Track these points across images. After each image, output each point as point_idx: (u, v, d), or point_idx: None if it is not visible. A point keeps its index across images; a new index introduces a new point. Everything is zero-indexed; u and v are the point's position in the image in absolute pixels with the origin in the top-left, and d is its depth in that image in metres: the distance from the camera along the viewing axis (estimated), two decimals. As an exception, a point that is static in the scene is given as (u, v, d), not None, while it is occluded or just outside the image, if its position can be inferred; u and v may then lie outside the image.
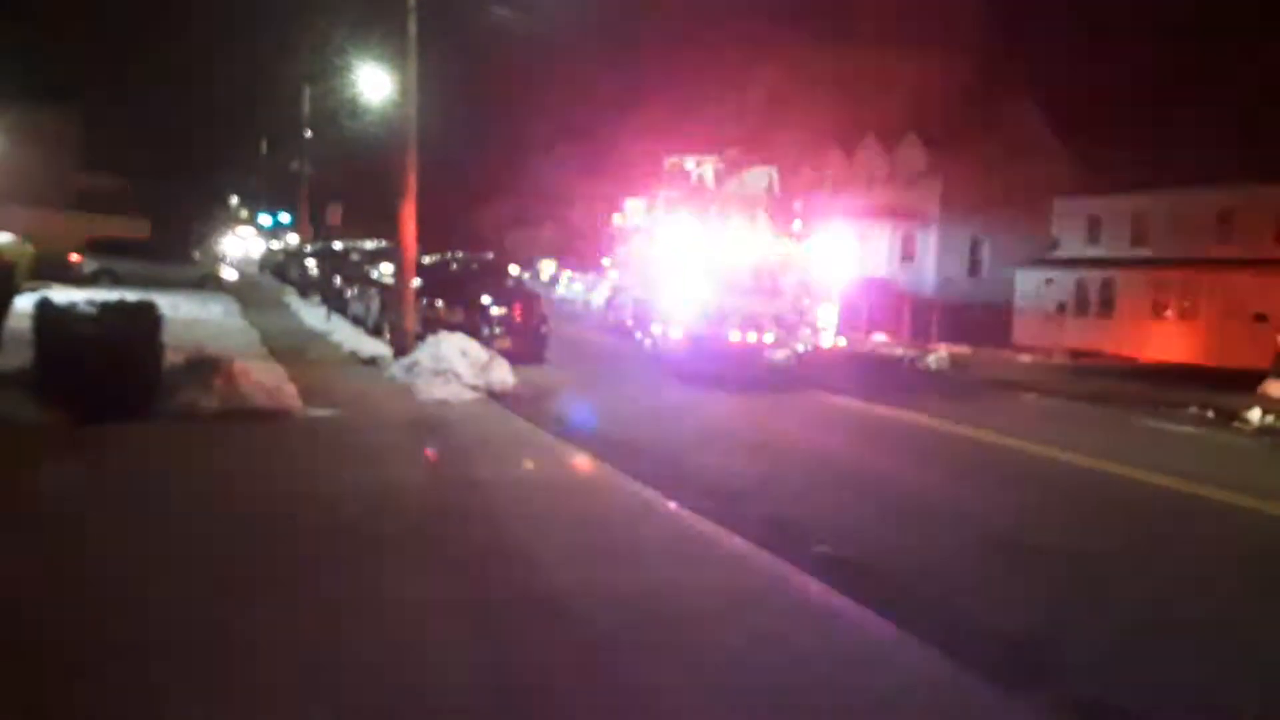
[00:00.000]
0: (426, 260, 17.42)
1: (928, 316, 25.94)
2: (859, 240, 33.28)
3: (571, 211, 52.57)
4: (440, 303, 14.98)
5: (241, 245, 66.54)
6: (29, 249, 22.75)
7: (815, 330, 14.94)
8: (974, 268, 31.88)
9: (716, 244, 14.94)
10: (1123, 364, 21.93)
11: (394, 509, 6.05)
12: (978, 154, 29.94)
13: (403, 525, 5.70)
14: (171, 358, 9.50)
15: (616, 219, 21.58)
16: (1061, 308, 28.22)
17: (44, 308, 8.31)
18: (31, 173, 35.28)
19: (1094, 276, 27.58)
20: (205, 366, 9.34)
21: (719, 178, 16.92)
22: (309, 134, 35.26)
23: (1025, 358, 22.29)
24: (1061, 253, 28.82)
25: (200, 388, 8.97)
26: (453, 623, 4.26)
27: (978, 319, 25.77)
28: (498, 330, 14.74)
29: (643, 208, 19.48)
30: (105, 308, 8.53)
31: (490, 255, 26.50)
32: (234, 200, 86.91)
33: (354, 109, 26.75)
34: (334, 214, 32.94)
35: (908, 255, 32.38)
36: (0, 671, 3.56)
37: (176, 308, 20.29)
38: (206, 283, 29.76)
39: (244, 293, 29.25)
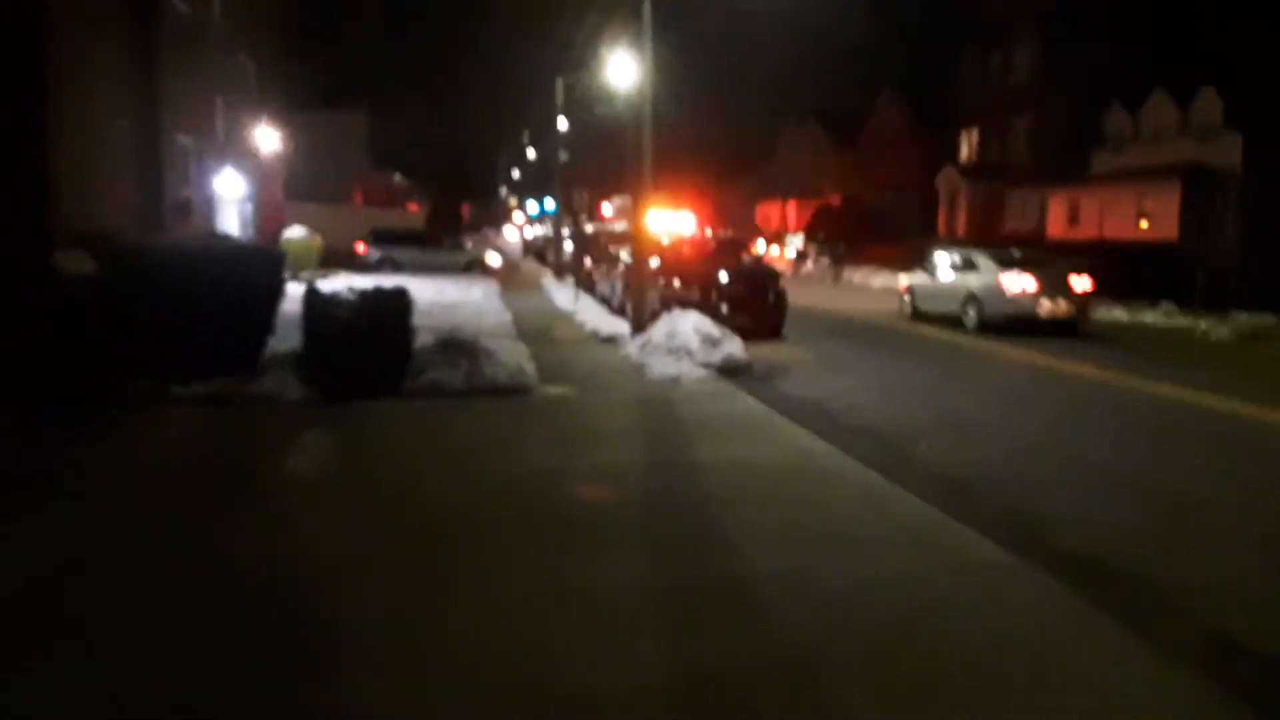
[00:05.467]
0: (666, 239, 17.61)
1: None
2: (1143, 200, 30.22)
3: (825, 185, 51.44)
4: (677, 281, 15.04)
5: (512, 232, 70.84)
6: (318, 241, 25.26)
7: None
8: None
9: None
10: None
11: (604, 489, 6.06)
12: None
13: (608, 506, 5.69)
14: (424, 339, 10.15)
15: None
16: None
17: (310, 295, 9.07)
18: (326, 173, 39.31)
19: None
20: (453, 347, 9.87)
21: None
22: (564, 124, 36.75)
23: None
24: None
25: (447, 367, 9.50)
26: (639, 606, 4.15)
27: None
28: (730, 307, 14.60)
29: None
30: (363, 295, 9.20)
31: (730, 233, 26.48)
32: (503, 190, 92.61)
33: (604, 96, 27.41)
34: (580, 199, 34.13)
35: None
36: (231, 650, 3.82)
37: (443, 291, 21.94)
38: (472, 268, 31.87)
39: (506, 276, 31.03)
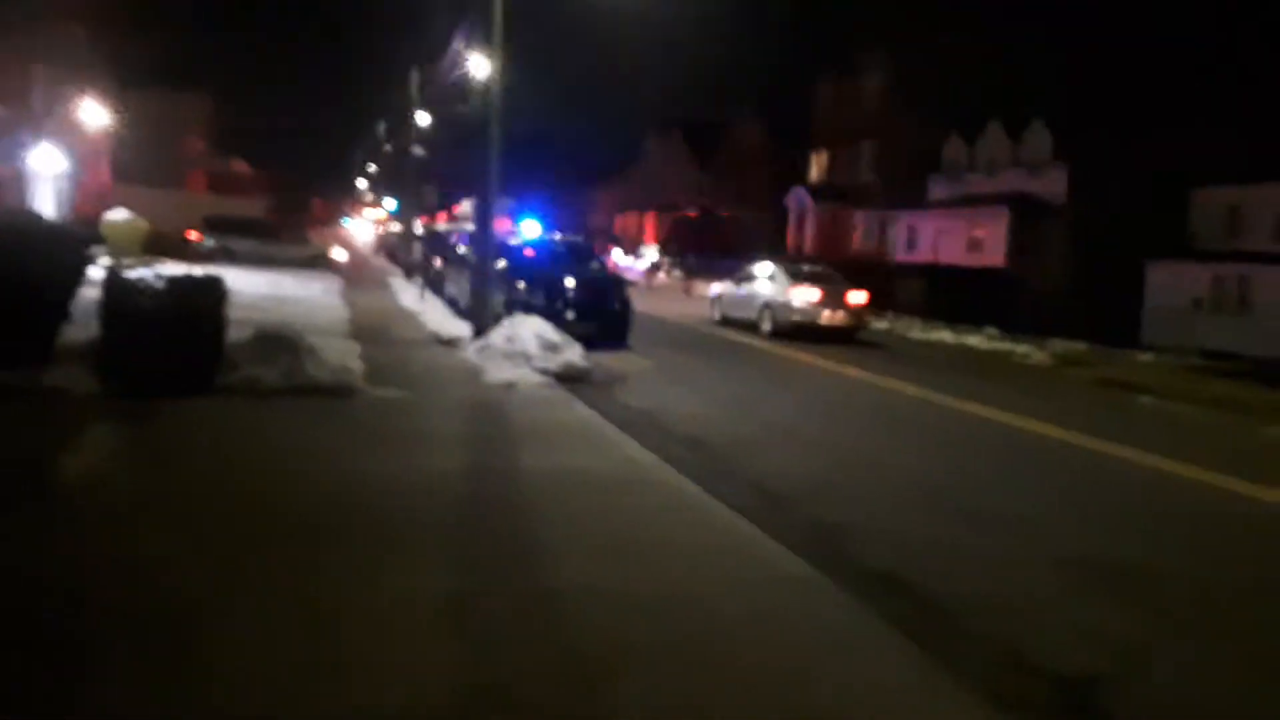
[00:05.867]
0: (512, 241, 17.34)
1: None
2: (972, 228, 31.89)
3: (682, 197, 52.16)
4: (522, 284, 14.80)
5: (366, 228, 68.55)
6: (142, 225, 23.72)
7: None
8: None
9: None
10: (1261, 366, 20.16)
11: (414, 497, 5.78)
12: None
13: (417, 515, 5.42)
14: (239, 333, 9.56)
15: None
16: (1197, 304, 26.29)
17: (110, 281, 8.37)
18: (161, 155, 37.05)
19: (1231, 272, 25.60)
20: (271, 343, 9.33)
21: None
22: (424, 119, 35.86)
23: (1146, 356, 20.77)
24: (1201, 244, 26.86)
25: (264, 364, 8.96)
26: (437, 618, 3.93)
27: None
28: (576, 313, 14.48)
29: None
30: (170, 282, 8.56)
31: (579, 238, 26.49)
32: (361, 184, 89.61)
33: (460, 93, 26.89)
34: (429, 195, 33.39)
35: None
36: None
37: (278, 285, 20.92)
38: (316, 263, 30.60)
39: (352, 273, 29.95)
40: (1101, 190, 27.53)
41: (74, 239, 9.15)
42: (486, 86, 13.56)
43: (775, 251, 40.50)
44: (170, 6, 39.25)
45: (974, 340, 20.78)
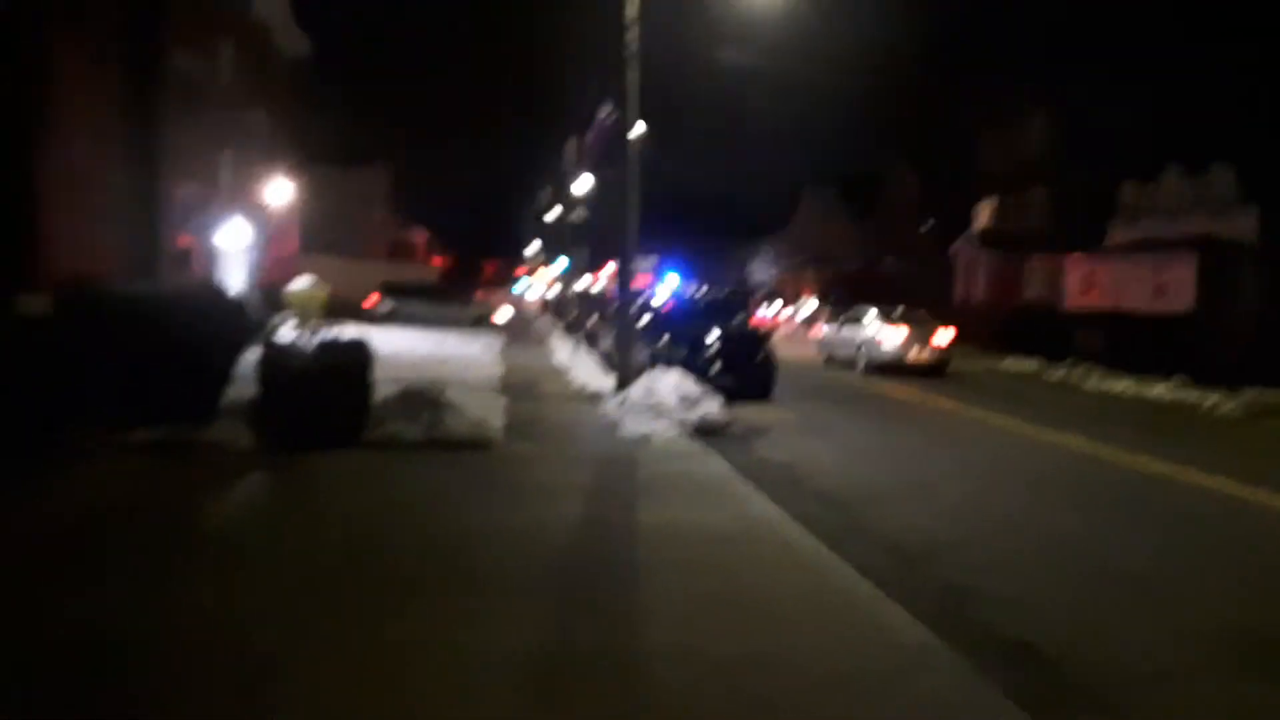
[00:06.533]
0: (657, 298, 17.51)
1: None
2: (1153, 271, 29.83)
3: (842, 250, 51.52)
4: (665, 338, 14.87)
5: (537, 288, 71.08)
6: (322, 292, 25.43)
7: None
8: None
9: None
10: None
11: (524, 548, 5.80)
12: None
13: (521, 567, 5.43)
14: (386, 390, 10.01)
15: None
16: None
17: (269, 345, 8.96)
18: (345, 226, 39.78)
19: None
20: (415, 399, 9.72)
21: None
22: (588, 182, 37.05)
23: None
24: None
25: (406, 419, 9.34)
26: (509, 677, 3.89)
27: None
28: (718, 366, 14.38)
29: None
30: (320, 345, 9.08)
31: (727, 290, 26.64)
32: (534, 245, 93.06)
33: (614, 155, 27.68)
34: (581, 257, 34.29)
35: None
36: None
37: (441, 344, 21.88)
38: (481, 322, 31.89)
39: (514, 331, 31.04)
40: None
41: (234, 307, 9.86)
42: (625, 150, 13.84)
43: (941, 302, 39.22)
44: (351, 88, 42.35)
45: (1157, 390, 19.25)
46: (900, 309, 22.71)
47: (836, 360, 22.99)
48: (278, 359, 8.72)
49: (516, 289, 68.16)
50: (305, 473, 7.71)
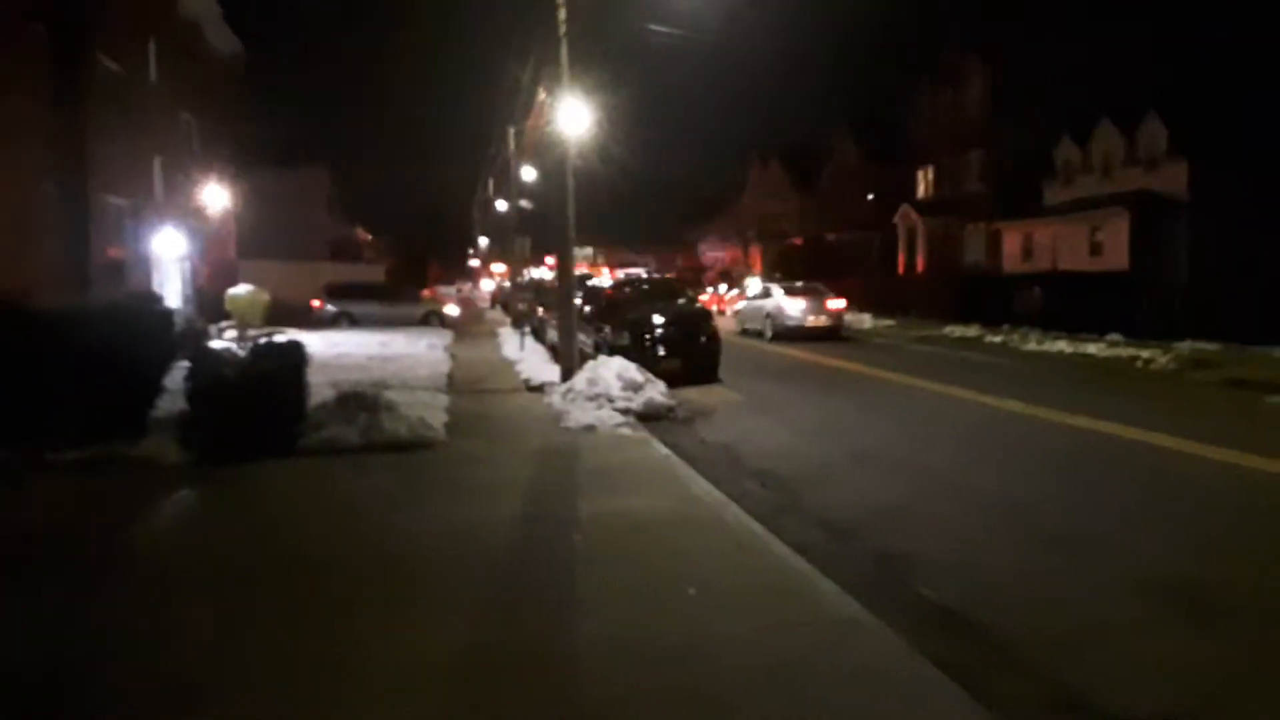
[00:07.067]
0: (595, 283, 17.43)
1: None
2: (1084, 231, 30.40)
3: (787, 225, 51.75)
4: (608, 326, 14.82)
5: (487, 281, 70.45)
6: (264, 297, 25.01)
7: None
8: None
9: None
10: None
11: (461, 547, 5.75)
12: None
13: (458, 566, 5.38)
14: (324, 394, 9.87)
15: None
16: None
17: (198, 354, 8.77)
18: (284, 229, 39.09)
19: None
20: (353, 402, 9.58)
21: None
22: (531, 173, 36.68)
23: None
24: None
25: (344, 423, 9.19)
26: (442, 674, 3.85)
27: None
28: (662, 351, 14.38)
29: None
30: (253, 350, 8.91)
31: (666, 274, 27.23)
32: (483, 241, 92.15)
33: (553, 142, 27.47)
34: (522, 247, 34.01)
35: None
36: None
37: (388, 344, 21.60)
38: (430, 320, 31.55)
39: (464, 327, 30.76)
40: (1225, 182, 25.78)
41: (162, 317, 9.63)
42: (561, 136, 13.74)
43: (886, 273, 39.60)
44: (284, 89, 41.59)
45: (1093, 348, 19.61)
46: (800, 283, 26.17)
47: (749, 331, 25.61)
48: (206, 368, 8.53)
49: (464, 284, 67.60)
50: (235, 484, 7.56)
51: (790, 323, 23.77)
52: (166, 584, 5.22)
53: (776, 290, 25.18)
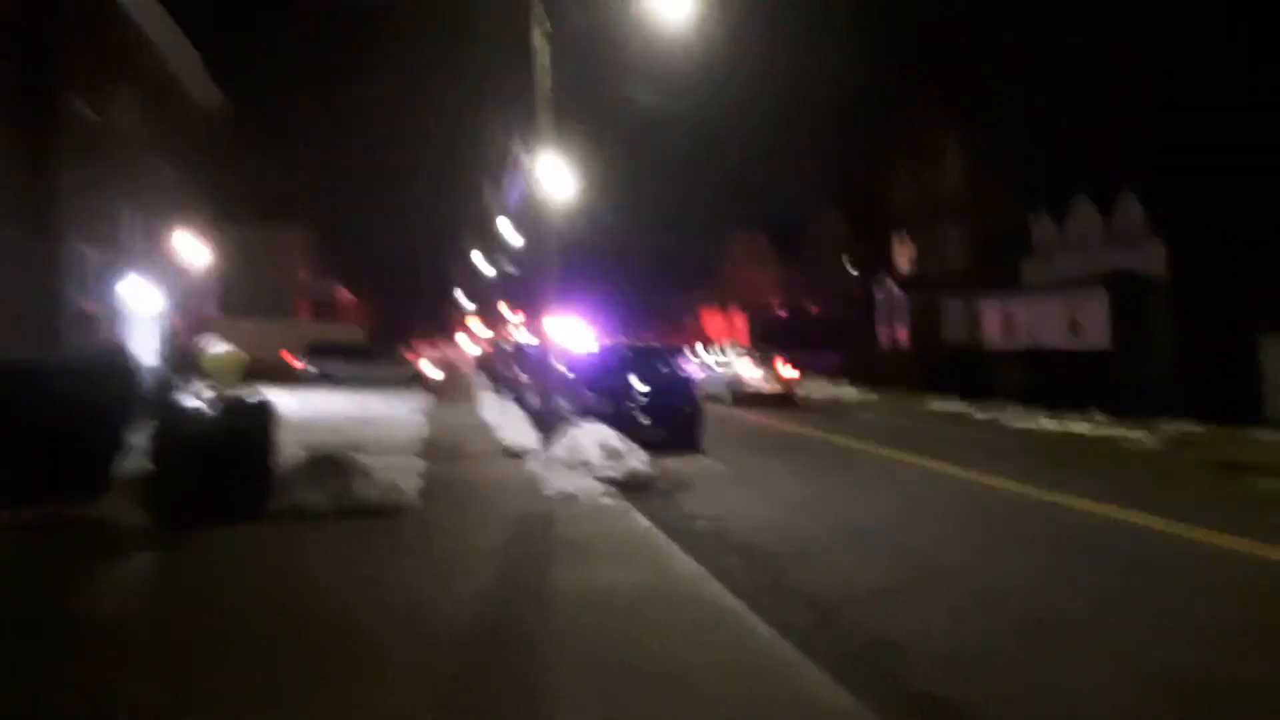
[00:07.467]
0: (580, 350, 17.31)
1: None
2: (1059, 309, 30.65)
3: (769, 294, 52.04)
4: (590, 392, 14.63)
5: (469, 344, 70.25)
6: (241, 355, 24.65)
7: None
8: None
9: None
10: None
11: (426, 624, 5.46)
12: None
13: (422, 644, 5.09)
14: (295, 455, 9.58)
15: None
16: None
17: (164, 411, 8.49)
18: (265, 286, 38.91)
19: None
20: (324, 465, 9.30)
21: None
22: (517, 238, 36.83)
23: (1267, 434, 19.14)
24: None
25: (313, 487, 8.90)
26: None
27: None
28: (644, 419, 14.18)
29: None
30: (223, 408, 8.64)
31: (651, 341, 27.67)
32: (464, 300, 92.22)
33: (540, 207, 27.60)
34: (500, 311, 33.95)
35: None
36: None
37: (367, 406, 21.30)
38: (411, 382, 31.17)
39: (444, 390, 30.42)
40: (1203, 263, 26.10)
41: (125, 371, 9.36)
42: (538, 202, 13.73)
43: (868, 345, 39.71)
44: (267, 145, 41.69)
45: (1077, 427, 19.54)
46: (757, 352, 28.75)
47: (712, 396, 26.10)
48: (172, 426, 8.24)
49: (444, 346, 67.37)
50: (197, 550, 7.23)
51: (748, 389, 25.70)
52: (122, 654, 4.91)
53: (737, 359, 27.71)
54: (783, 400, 25.62)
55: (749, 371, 26.22)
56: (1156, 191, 28.68)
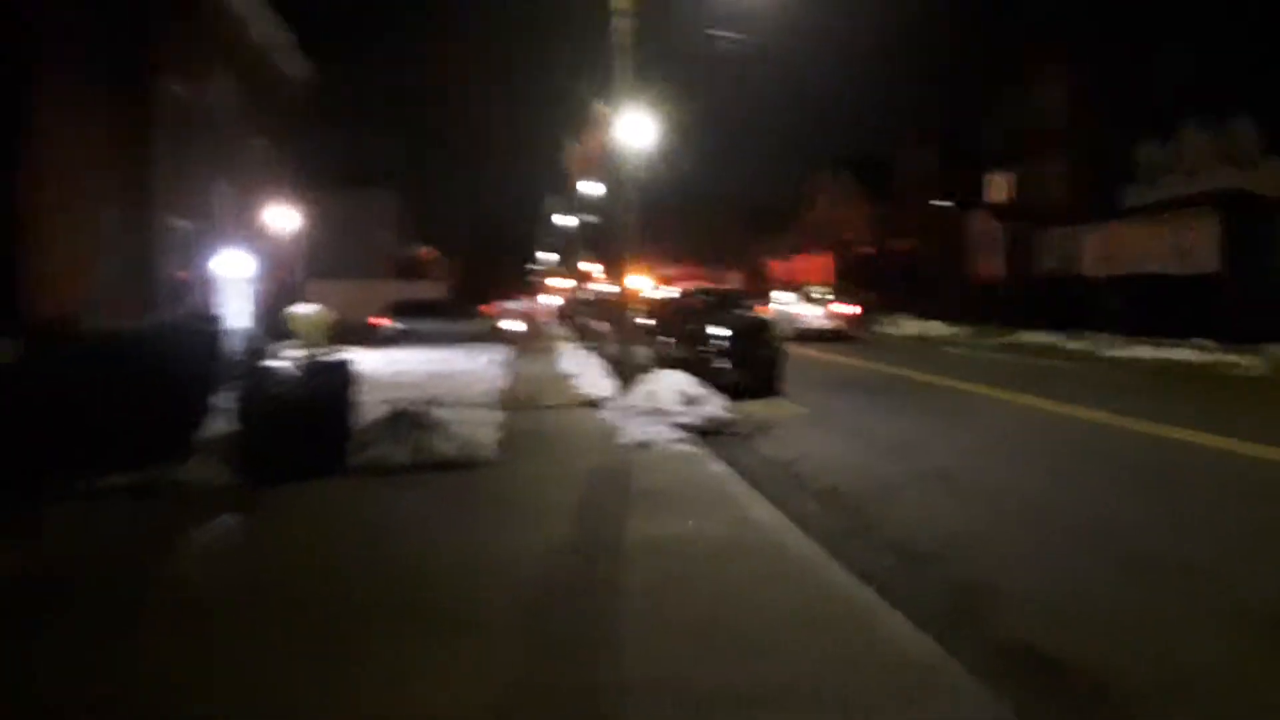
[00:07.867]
0: (660, 296, 17.10)
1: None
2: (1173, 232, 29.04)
3: (858, 234, 50.82)
4: (668, 338, 14.43)
5: (551, 295, 70.68)
6: (327, 316, 25.19)
7: None
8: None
9: None
10: None
11: (500, 575, 5.40)
12: None
13: (496, 596, 5.03)
14: (376, 411, 9.66)
15: None
16: None
17: (249, 374, 8.62)
18: (352, 249, 39.63)
19: None
20: (402, 420, 9.35)
21: None
22: (598, 188, 36.59)
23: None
24: None
25: (392, 442, 8.95)
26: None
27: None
28: (723, 363, 13.93)
29: None
30: (305, 369, 8.74)
31: (731, 286, 27.66)
32: (548, 254, 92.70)
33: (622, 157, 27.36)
34: (586, 259, 33.85)
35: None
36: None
37: (448, 361, 21.52)
38: (491, 335, 31.45)
39: (525, 342, 30.62)
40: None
41: (209, 338, 9.52)
42: (616, 149, 13.46)
43: (959, 280, 38.49)
44: (355, 111, 42.11)
45: (1179, 354, 18.57)
46: (816, 290, 29.68)
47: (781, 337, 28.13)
48: (256, 388, 8.37)
49: (529, 298, 67.83)
50: (277, 507, 7.34)
51: (803, 325, 27.06)
52: (201, 611, 4.97)
53: (796, 300, 28.97)
54: (836, 335, 26.93)
55: (805, 311, 27.61)
56: (1273, 109, 26.80)
